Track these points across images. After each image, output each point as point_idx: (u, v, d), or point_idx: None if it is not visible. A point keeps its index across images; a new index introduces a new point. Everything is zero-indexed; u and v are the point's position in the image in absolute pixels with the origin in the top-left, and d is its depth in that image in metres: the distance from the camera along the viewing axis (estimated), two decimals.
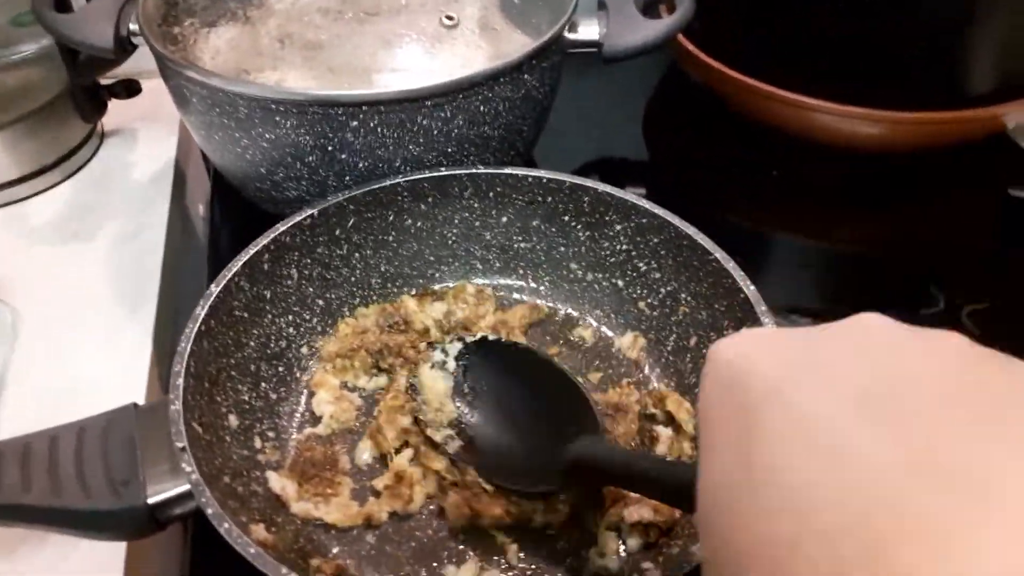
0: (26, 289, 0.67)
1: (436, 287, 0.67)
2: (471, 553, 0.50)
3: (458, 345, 0.57)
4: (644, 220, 0.61)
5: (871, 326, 0.26)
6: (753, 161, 0.86)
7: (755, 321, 0.52)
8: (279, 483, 0.52)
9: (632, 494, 0.51)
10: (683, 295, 0.60)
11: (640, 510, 0.50)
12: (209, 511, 0.41)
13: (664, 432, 0.56)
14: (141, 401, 0.58)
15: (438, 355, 0.57)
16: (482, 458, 0.51)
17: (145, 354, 0.62)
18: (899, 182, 0.83)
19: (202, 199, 0.89)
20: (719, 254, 0.56)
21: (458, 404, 0.54)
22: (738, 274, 0.55)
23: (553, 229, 0.65)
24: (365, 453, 0.55)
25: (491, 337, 0.58)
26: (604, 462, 0.45)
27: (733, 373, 0.27)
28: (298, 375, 0.60)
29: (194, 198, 0.87)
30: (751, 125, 0.85)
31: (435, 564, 0.49)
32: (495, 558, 0.49)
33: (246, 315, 0.56)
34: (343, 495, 0.53)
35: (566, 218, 0.64)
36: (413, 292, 0.66)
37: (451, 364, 0.56)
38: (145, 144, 0.85)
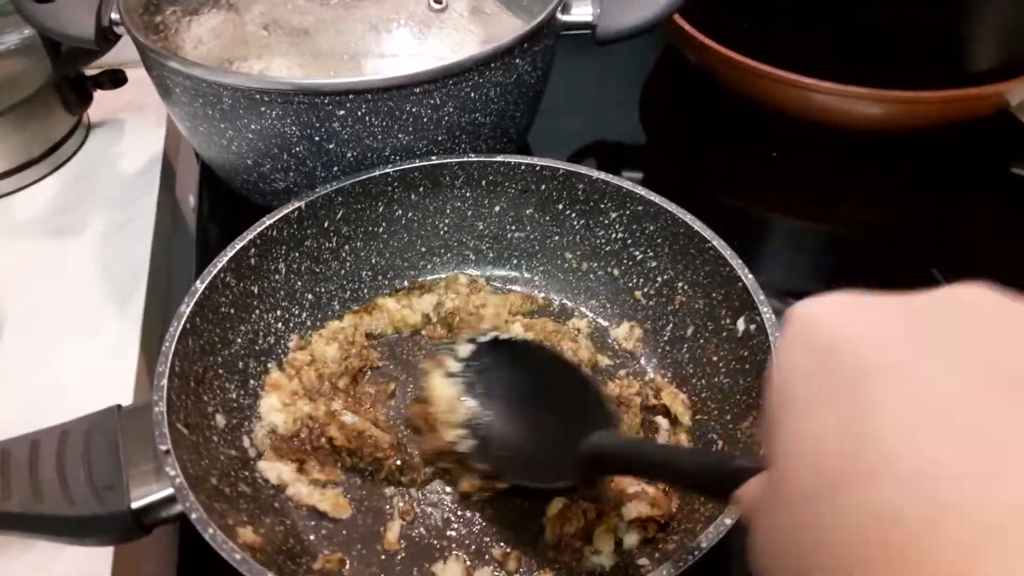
0: (11, 286, 0.66)
1: (428, 278, 0.66)
2: (460, 552, 0.49)
3: (470, 347, 0.54)
4: (640, 207, 0.59)
5: (973, 298, 0.24)
6: (751, 143, 0.85)
7: (753, 310, 0.51)
8: (274, 471, 0.51)
9: (628, 489, 0.50)
10: (680, 283, 0.59)
11: (638, 506, 0.49)
12: (193, 516, 0.40)
13: (663, 423, 0.56)
14: (128, 400, 0.57)
15: (451, 364, 0.53)
16: (497, 456, 0.50)
17: (133, 351, 0.61)
18: (899, 162, 0.82)
19: (192, 189, 0.87)
20: (716, 242, 0.55)
21: (470, 404, 0.52)
22: (736, 262, 0.53)
23: (547, 218, 0.64)
24: None
25: (503, 337, 0.55)
26: (629, 454, 0.44)
27: (831, 339, 0.25)
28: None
29: (184, 188, 0.85)
30: (748, 107, 0.83)
31: (426, 564, 0.48)
32: (485, 556, 0.49)
33: (233, 311, 0.54)
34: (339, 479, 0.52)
35: (560, 206, 0.63)
36: (402, 286, 0.65)
37: (457, 366, 0.53)
38: (132, 135, 0.83)
